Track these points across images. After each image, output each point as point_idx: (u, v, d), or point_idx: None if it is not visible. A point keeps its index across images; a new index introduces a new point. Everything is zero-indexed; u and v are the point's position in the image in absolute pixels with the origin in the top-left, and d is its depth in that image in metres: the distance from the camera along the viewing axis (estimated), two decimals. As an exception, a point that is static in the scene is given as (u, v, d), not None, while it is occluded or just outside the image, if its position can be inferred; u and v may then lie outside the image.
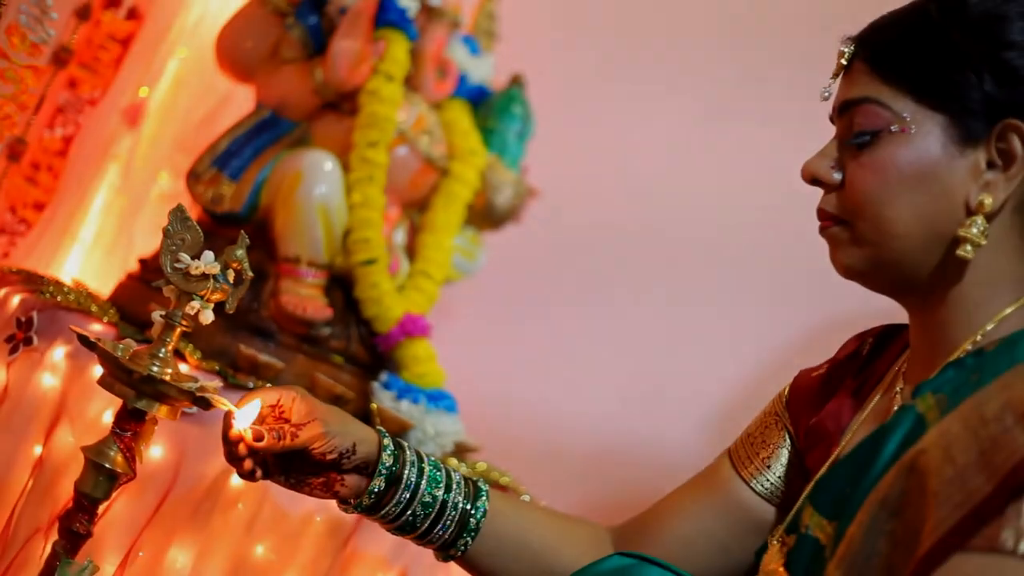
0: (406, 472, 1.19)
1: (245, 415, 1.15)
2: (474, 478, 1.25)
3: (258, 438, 1.12)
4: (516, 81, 2.40)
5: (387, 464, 1.18)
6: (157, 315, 1.19)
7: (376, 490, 1.18)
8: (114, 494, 1.21)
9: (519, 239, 2.53)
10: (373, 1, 2.14)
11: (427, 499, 1.20)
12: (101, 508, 1.20)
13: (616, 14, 2.92)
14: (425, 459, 1.22)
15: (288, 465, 1.18)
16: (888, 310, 1.21)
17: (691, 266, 2.76)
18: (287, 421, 1.16)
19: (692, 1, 2.84)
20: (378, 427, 1.22)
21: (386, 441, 1.20)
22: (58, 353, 1.80)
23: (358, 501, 1.20)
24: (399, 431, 2.01)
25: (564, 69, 2.84)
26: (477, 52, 2.37)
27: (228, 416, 1.15)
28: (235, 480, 1.72)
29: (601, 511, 2.55)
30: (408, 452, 1.21)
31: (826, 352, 1.28)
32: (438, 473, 1.21)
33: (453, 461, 2.07)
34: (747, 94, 2.75)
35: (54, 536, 1.20)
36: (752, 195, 2.68)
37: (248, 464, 1.15)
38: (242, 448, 1.13)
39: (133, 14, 2.32)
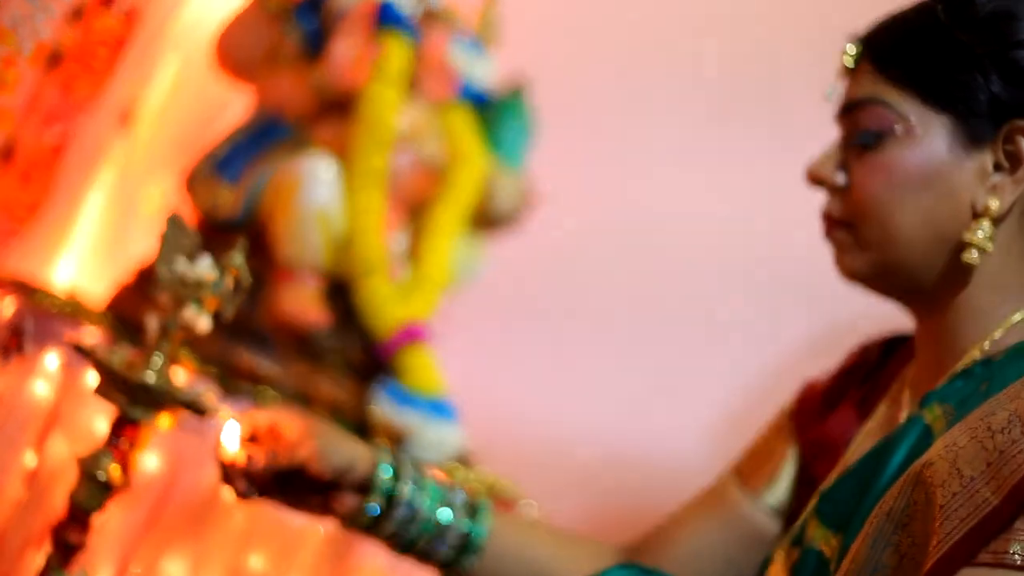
0: (405, 490, 1.18)
1: (231, 435, 1.14)
2: (475, 496, 1.24)
3: (252, 460, 1.12)
4: (518, 85, 2.39)
5: (385, 483, 1.17)
6: (153, 322, 1.18)
7: (374, 509, 1.17)
8: (108, 504, 1.20)
9: (521, 245, 2.52)
10: (373, 3, 2.13)
11: (426, 517, 1.19)
12: (95, 519, 1.19)
13: (622, 17, 2.90)
14: (425, 476, 1.21)
15: (285, 485, 1.18)
16: (892, 319, 1.20)
17: (695, 273, 2.75)
18: (283, 440, 1.15)
19: (703, 4, 2.83)
20: (378, 444, 1.22)
21: (384, 459, 1.19)
22: (51, 361, 1.78)
23: (357, 520, 1.19)
24: (399, 439, 2.00)
25: (567, 73, 2.83)
26: (479, 55, 2.36)
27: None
28: (231, 490, 1.72)
29: (605, 519, 2.54)
30: (407, 470, 1.20)
31: (831, 360, 1.27)
32: (438, 491, 1.20)
33: (454, 469, 2.06)
34: (757, 100, 2.74)
35: (47, 547, 1.18)
36: (758, 203, 2.67)
37: (242, 486, 1.15)
38: (235, 472, 1.13)
39: (128, 15, 2.31)
